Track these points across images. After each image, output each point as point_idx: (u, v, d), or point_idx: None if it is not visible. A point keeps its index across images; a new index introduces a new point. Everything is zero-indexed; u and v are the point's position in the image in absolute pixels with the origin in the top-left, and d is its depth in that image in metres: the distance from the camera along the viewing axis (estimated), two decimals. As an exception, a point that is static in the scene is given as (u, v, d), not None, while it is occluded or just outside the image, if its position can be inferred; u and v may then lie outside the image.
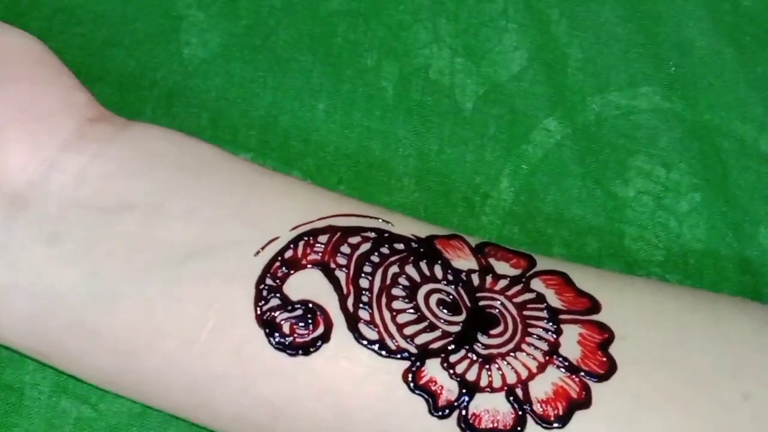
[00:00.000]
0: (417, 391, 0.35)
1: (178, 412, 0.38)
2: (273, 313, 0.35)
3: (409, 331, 0.35)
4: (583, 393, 0.34)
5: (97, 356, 0.37)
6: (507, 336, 0.35)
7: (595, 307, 0.36)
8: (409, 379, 0.35)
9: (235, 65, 0.46)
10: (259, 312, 0.35)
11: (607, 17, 0.49)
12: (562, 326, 0.35)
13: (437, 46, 0.48)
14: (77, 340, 0.37)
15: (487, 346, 0.35)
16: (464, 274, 0.37)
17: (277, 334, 0.35)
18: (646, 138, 0.46)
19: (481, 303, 0.36)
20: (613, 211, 0.45)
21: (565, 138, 0.46)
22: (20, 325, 0.37)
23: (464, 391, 0.35)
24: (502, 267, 0.37)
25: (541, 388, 0.35)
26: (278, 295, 0.36)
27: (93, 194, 0.37)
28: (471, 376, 0.35)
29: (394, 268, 0.36)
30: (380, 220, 0.38)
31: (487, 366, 0.35)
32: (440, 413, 0.35)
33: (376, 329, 0.35)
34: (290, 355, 0.35)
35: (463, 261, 0.37)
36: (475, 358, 0.35)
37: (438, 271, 0.37)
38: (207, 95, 0.45)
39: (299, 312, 0.35)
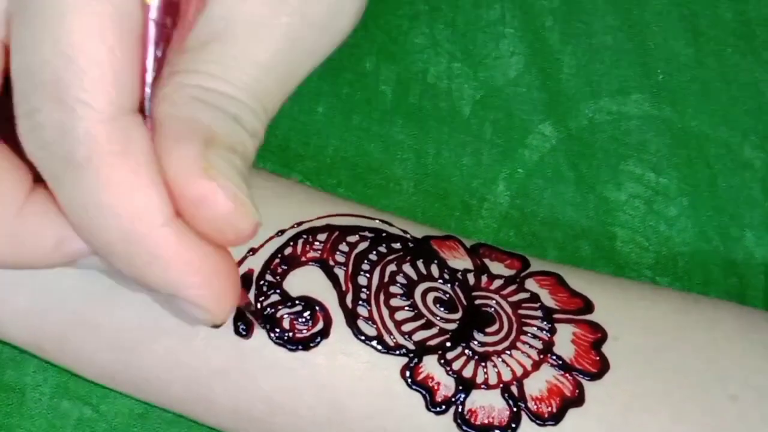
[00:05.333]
0: (414, 387, 0.35)
1: (176, 407, 0.38)
2: (273, 309, 0.36)
3: (406, 327, 0.36)
4: (577, 391, 0.35)
5: (97, 351, 0.37)
6: (502, 334, 0.36)
7: (588, 307, 0.37)
8: (407, 375, 0.35)
9: None
10: (259, 307, 0.36)
11: (598, 26, 0.49)
12: (556, 325, 0.36)
13: (435, 51, 0.48)
14: (77, 335, 0.37)
15: (483, 344, 0.36)
16: (460, 273, 0.37)
17: (277, 329, 0.36)
18: (637, 143, 0.47)
19: (477, 302, 0.37)
20: (606, 214, 0.46)
21: (560, 143, 0.46)
22: (21, 319, 0.37)
23: (461, 387, 0.35)
24: (496, 267, 0.38)
25: (535, 385, 0.35)
26: (278, 291, 0.36)
27: None
28: (467, 372, 0.36)
29: (392, 267, 0.37)
30: (377, 221, 0.38)
31: (483, 363, 0.36)
32: (437, 409, 0.35)
33: (375, 326, 0.36)
34: (290, 350, 0.36)
35: (459, 261, 0.38)
36: (471, 355, 0.36)
37: (434, 270, 0.37)
38: None
39: (299, 308, 0.36)
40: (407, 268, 0.37)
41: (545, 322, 0.36)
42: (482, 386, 0.35)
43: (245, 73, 0.30)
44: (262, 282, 0.36)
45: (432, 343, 0.36)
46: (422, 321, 0.36)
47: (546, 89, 0.47)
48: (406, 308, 0.36)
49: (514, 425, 0.35)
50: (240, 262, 0.37)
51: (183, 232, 0.28)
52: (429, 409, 0.35)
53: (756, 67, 0.49)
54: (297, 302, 0.36)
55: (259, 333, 0.36)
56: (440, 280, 0.37)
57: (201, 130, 0.29)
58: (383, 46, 0.48)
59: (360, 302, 0.36)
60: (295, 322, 0.36)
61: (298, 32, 0.31)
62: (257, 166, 0.41)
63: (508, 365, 0.36)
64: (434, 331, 0.36)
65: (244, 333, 0.36)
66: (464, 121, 0.46)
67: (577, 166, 0.46)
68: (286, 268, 0.37)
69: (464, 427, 0.35)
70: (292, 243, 0.37)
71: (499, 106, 0.47)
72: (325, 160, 0.45)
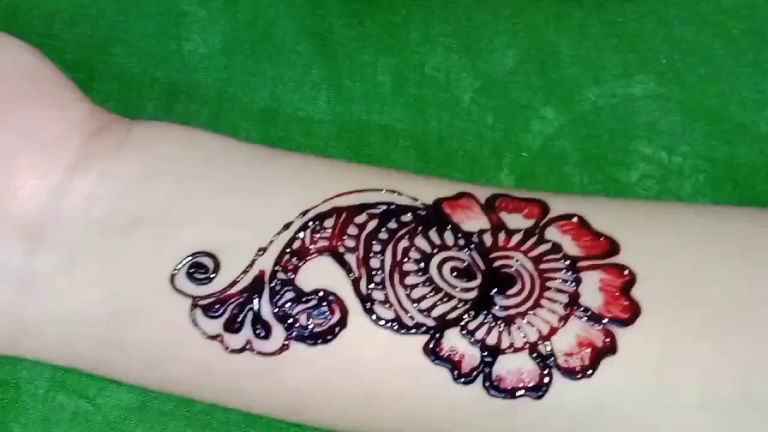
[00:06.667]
0: (439, 362, 0.34)
1: (215, 402, 0.39)
2: (288, 307, 0.35)
3: (425, 304, 0.35)
4: (608, 340, 0.34)
5: (128, 367, 0.37)
6: (525, 294, 0.35)
7: (614, 249, 0.35)
8: (430, 351, 0.34)
9: (236, 60, 0.47)
10: (275, 307, 0.35)
11: (597, 17, 0.49)
12: (581, 274, 0.35)
13: (432, 46, 0.48)
14: (107, 357, 0.37)
15: (505, 308, 0.35)
16: (475, 235, 0.36)
17: (295, 326, 0.35)
18: (646, 123, 0.46)
19: (496, 264, 0.35)
20: (617, 195, 0.44)
21: (564, 126, 0.46)
22: (53, 351, 0.38)
23: (486, 354, 0.34)
24: (514, 219, 0.37)
25: (564, 341, 0.34)
26: (291, 287, 0.36)
27: (106, 214, 0.37)
28: (491, 339, 0.34)
29: (404, 242, 0.36)
30: (384, 191, 0.37)
31: (507, 327, 0.34)
32: (464, 380, 0.34)
33: (392, 308, 0.35)
34: (310, 345, 0.35)
35: (474, 221, 0.36)
36: (493, 321, 0.34)
37: (448, 237, 0.36)
38: (208, 91, 0.46)
39: (314, 302, 0.35)
40: (420, 240, 0.36)
41: (569, 273, 0.35)
42: (509, 350, 0.34)
43: None
44: (274, 283, 0.36)
45: (452, 315, 0.35)
46: (440, 295, 0.35)
47: (545, 77, 0.46)
48: (423, 284, 0.35)
49: (546, 383, 0.34)
50: (251, 265, 0.36)
51: None
52: (456, 382, 0.34)
53: (762, 47, 0.48)
54: (311, 297, 0.35)
55: (278, 334, 0.35)
56: (456, 248, 0.36)
57: None
58: (380, 40, 0.48)
59: (375, 286, 0.35)
60: (312, 316, 0.35)
61: None
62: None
63: (533, 325, 0.34)
64: (453, 303, 0.35)
65: (263, 336, 0.35)
66: (465, 108, 0.46)
67: (583, 148, 0.45)
68: (297, 263, 0.36)
69: (494, 393, 0.34)
70: (299, 235, 0.36)
71: (499, 93, 0.46)
72: (327, 150, 0.45)
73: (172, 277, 0.36)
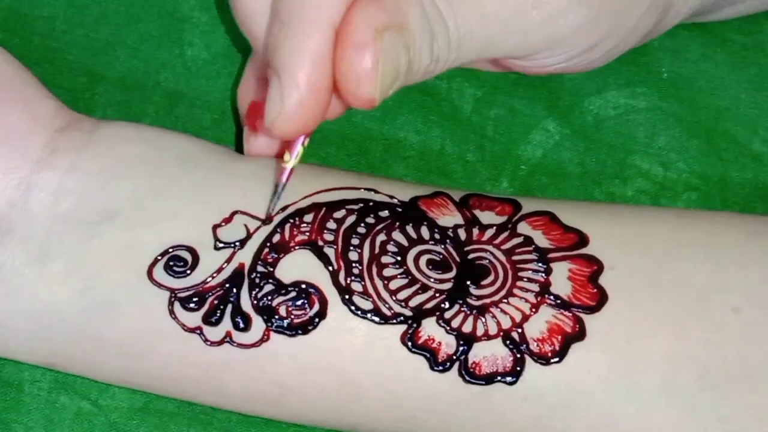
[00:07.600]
0: (417, 351, 0.35)
1: (191, 399, 0.39)
2: (268, 299, 0.36)
3: (402, 295, 0.36)
4: (577, 326, 0.35)
5: (105, 362, 0.37)
6: (498, 284, 0.36)
7: (582, 241, 0.37)
8: (407, 340, 0.35)
9: (238, 66, 0.46)
10: (254, 300, 0.36)
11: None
12: (552, 264, 0.36)
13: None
14: (83, 350, 0.37)
15: (479, 297, 0.36)
16: (451, 230, 0.37)
17: (275, 318, 0.36)
18: (645, 137, 0.46)
19: (470, 256, 0.37)
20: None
21: (564, 138, 0.46)
22: (27, 344, 0.38)
23: (462, 342, 0.35)
24: (487, 216, 0.38)
25: (536, 327, 0.35)
26: (271, 280, 0.36)
27: (75, 207, 0.37)
28: (467, 328, 0.35)
29: (382, 236, 0.37)
30: (362, 190, 0.38)
31: (482, 316, 0.35)
32: (441, 368, 0.35)
33: (370, 299, 0.36)
34: (290, 336, 0.36)
35: (449, 217, 0.38)
36: (469, 310, 0.35)
37: (424, 232, 0.37)
38: (210, 96, 0.45)
39: (293, 294, 0.36)
40: (397, 235, 0.37)
41: (540, 264, 0.36)
42: (483, 338, 0.35)
43: (470, 16, 0.36)
44: (254, 275, 0.36)
45: (429, 306, 0.36)
46: (417, 286, 0.36)
47: (547, 87, 0.46)
48: (400, 276, 0.36)
49: (518, 369, 0.35)
50: (230, 258, 0.37)
51: (330, 46, 0.34)
52: (434, 369, 0.35)
53: (764, 61, 0.47)
54: (291, 289, 0.36)
55: (258, 326, 0.36)
56: (431, 242, 0.37)
57: (399, 14, 0.34)
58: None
59: (353, 278, 0.36)
60: (291, 308, 0.36)
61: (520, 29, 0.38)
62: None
63: (506, 313, 0.35)
64: (430, 293, 0.36)
65: (242, 328, 0.36)
66: (466, 117, 0.46)
67: (583, 161, 0.45)
68: (276, 256, 0.37)
69: (469, 379, 0.35)
70: (279, 229, 0.37)
71: (501, 102, 0.46)
72: (328, 158, 0.45)
73: (150, 270, 0.36)
